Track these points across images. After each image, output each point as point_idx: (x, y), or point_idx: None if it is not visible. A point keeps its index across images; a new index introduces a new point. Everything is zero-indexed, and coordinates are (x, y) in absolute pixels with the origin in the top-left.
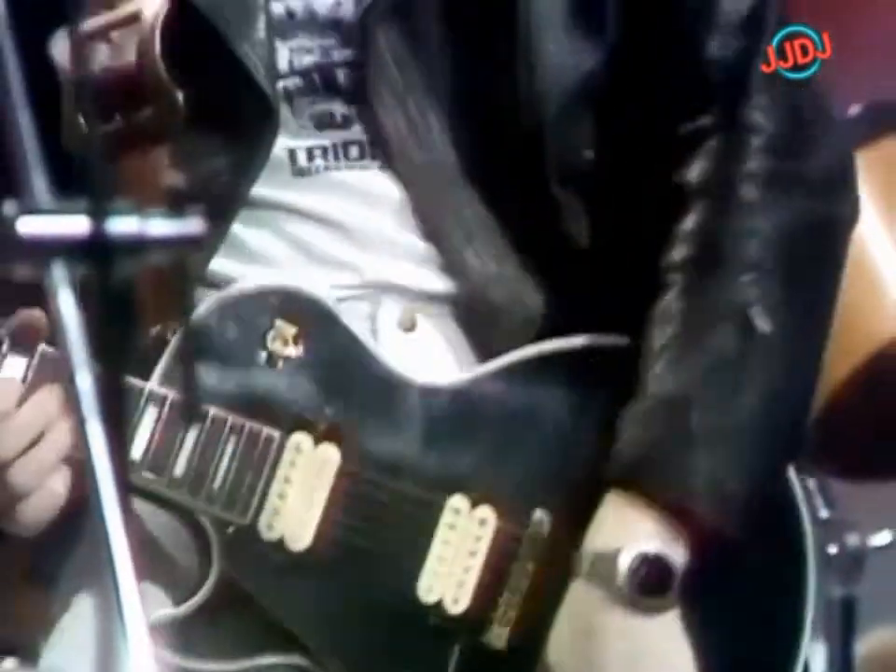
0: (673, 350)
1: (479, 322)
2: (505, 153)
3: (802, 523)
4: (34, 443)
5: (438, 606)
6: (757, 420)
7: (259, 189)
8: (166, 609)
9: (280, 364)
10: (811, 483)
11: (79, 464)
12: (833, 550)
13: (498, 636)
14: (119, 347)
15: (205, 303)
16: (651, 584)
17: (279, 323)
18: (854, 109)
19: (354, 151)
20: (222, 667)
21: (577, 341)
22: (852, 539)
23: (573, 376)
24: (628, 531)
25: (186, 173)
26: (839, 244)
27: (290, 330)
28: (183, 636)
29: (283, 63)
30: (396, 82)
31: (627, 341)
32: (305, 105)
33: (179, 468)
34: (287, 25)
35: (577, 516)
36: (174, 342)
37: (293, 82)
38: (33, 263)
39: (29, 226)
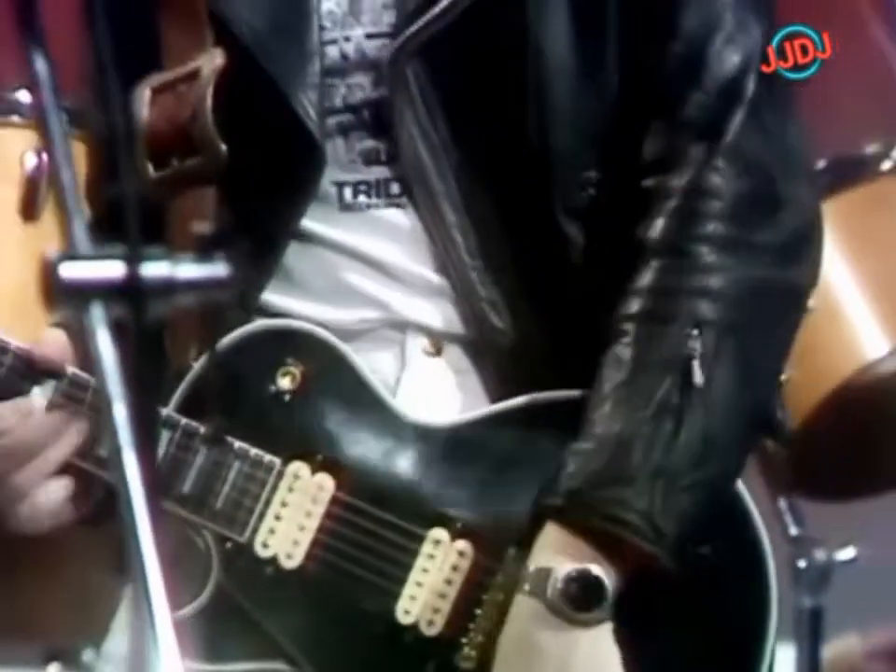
0: (620, 395)
1: (490, 354)
2: (516, 186)
3: (762, 545)
4: (22, 464)
5: (414, 627)
6: (692, 463)
7: (310, 223)
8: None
9: (287, 398)
10: (782, 503)
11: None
12: (802, 564)
13: (468, 657)
14: (150, 382)
15: (227, 337)
16: (580, 599)
17: (290, 361)
18: (820, 164)
19: (395, 188)
20: (211, 668)
21: (565, 393)
22: (820, 555)
23: (562, 425)
24: (563, 552)
25: (233, 209)
26: (789, 307)
27: (299, 369)
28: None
29: (338, 99)
30: (422, 117)
31: None
32: (356, 140)
33: (187, 486)
34: (342, 65)
35: None
36: (192, 371)
37: (347, 118)
38: (73, 305)
39: (70, 270)
